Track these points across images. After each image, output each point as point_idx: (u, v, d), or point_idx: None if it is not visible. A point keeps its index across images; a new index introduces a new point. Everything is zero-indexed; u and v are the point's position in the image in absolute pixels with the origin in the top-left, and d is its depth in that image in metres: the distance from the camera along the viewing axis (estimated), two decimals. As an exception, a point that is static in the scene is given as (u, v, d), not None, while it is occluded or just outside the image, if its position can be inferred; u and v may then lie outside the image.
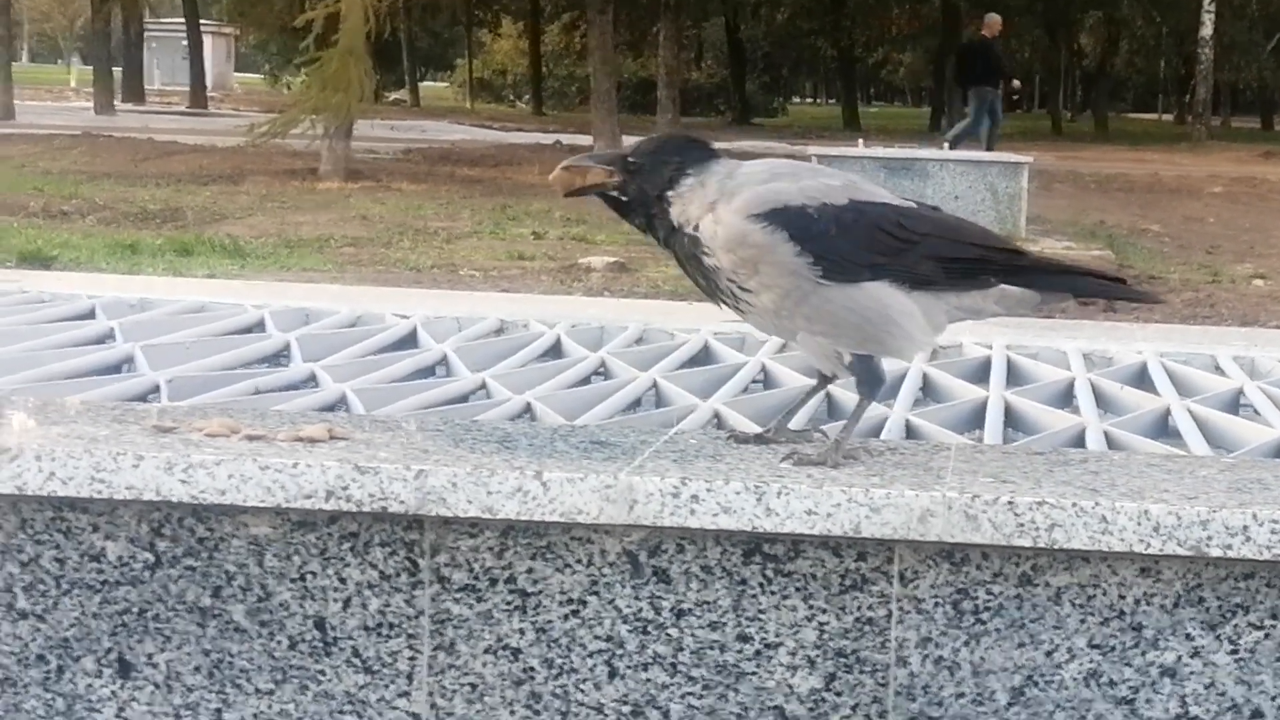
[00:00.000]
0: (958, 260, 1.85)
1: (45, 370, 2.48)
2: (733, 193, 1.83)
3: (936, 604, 1.74)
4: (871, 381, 1.88)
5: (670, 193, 1.86)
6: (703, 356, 2.96)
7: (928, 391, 2.75)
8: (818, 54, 47.64)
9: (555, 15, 42.08)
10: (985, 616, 1.74)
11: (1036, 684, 1.74)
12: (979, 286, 1.86)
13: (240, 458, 1.76)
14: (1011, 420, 2.56)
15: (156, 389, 2.40)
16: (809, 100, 62.89)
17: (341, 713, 1.79)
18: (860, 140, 16.75)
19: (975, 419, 2.55)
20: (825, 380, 1.96)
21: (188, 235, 11.38)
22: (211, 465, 1.75)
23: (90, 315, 3.03)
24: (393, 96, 42.54)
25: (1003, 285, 1.87)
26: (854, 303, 1.81)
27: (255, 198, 14.75)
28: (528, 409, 2.49)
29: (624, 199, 1.89)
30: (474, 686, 1.78)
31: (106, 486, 1.76)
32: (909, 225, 1.84)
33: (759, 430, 2.00)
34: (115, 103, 31.71)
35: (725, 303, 1.87)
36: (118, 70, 35.05)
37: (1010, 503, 1.69)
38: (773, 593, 1.76)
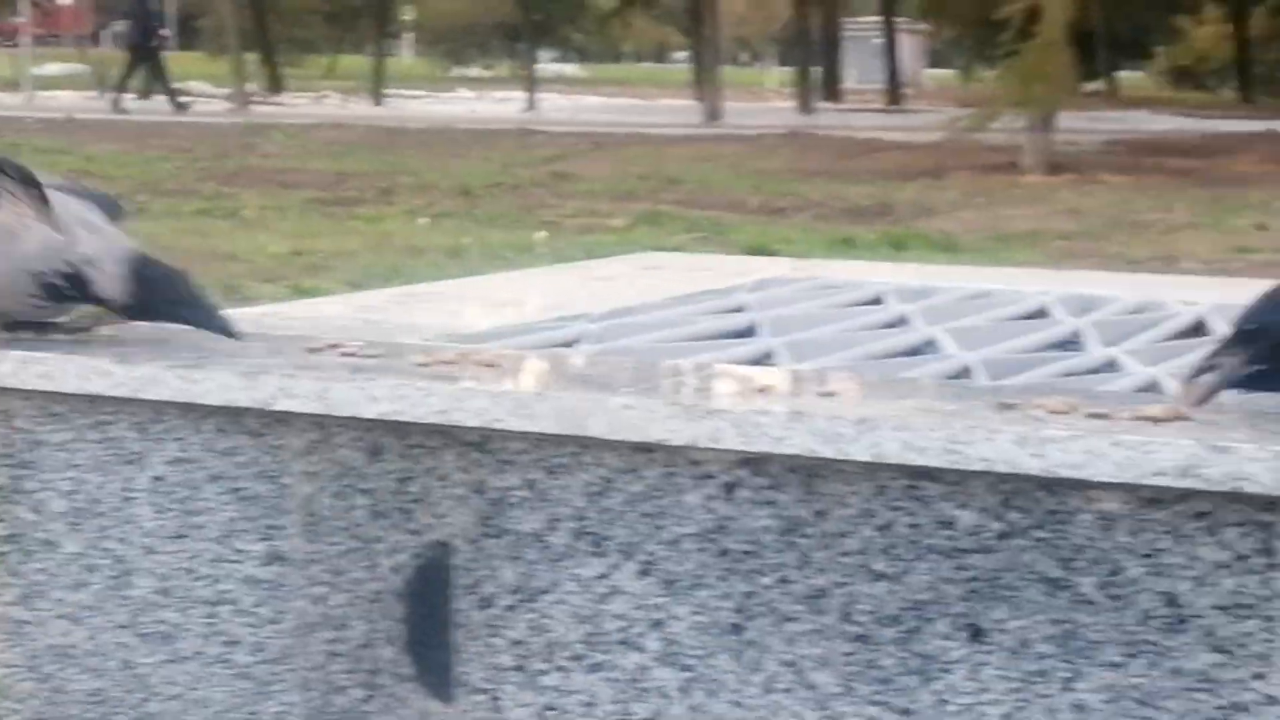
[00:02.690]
0: None
1: (862, 351, 2.59)
2: None
3: None
4: None
5: None
6: None
7: None
8: None
9: (1261, -2, 40.13)
10: None
11: None
12: None
13: (1092, 434, 1.78)
14: None
15: (967, 370, 2.47)
16: None
17: (1194, 690, 1.78)
18: None
19: None
20: None
21: (899, 230, 11.61)
22: (1064, 441, 1.78)
23: (877, 301, 3.15)
24: (1089, 87, 41.81)
25: None
26: None
27: (959, 192, 14.87)
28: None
29: (1265, 368, 1.79)
30: (1335, 674, 1.73)
31: (959, 458, 1.82)
32: None
33: None
34: (815, 102, 32.71)
35: None
36: (815, 71, 36.10)
37: None
38: None
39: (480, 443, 2.10)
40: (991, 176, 16.17)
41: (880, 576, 1.91)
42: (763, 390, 2.06)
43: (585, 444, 2.04)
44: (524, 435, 2.06)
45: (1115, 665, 1.81)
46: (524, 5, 38.12)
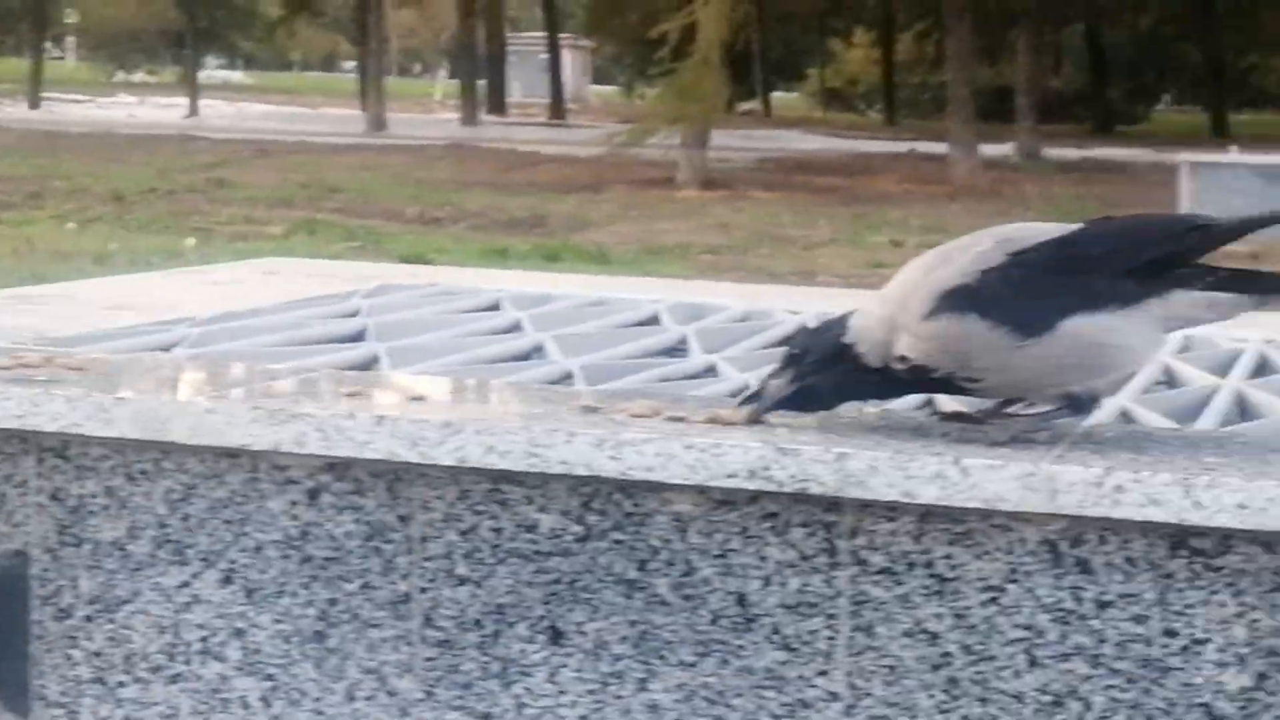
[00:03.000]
0: (1145, 265, 1.79)
1: (467, 356, 2.59)
2: (904, 305, 1.80)
3: (1377, 604, 1.68)
4: (1085, 404, 1.84)
5: (846, 339, 1.83)
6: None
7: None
8: (1184, 59, 46.16)
9: (909, 23, 41.78)
10: None
11: None
12: (1182, 286, 1.79)
13: (666, 437, 1.81)
14: None
15: (569, 375, 2.48)
16: (1173, 107, 60.87)
17: (762, 688, 1.82)
18: (1233, 147, 16.18)
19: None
20: None
21: (554, 242, 11.70)
22: (640, 443, 1.81)
23: (496, 308, 3.15)
24: (744, 107, 42.85)
25: (1212, 293, 1.80)
26: (1059, 348, 1.78)
27: (616, 205, 15.07)
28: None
29: (808, 386, 1.85)
30: (892, 669, 1.79)
31: (541, 461, 1.83)
32: (1079, 253, 1.79)
33: (968, 410, 1.95)
34: (479, 115, 32.78)
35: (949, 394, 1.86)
36: (480, 84, 36.17)
37: None
38: (1200, 587, 1.72)
39: (60, 448, 2.03)
40: (648, 191, 16.43)
41: (463, 581, 1.90)
42: (351, 395, 2.04)
43: (167, 449, 1.98)
44: (104, 441, 2.00)
45: (688, 665, 1.84)
46: (189, 12, 37.32)
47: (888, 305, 1.83)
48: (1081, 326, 1.78)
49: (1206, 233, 1.82)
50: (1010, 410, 1.91)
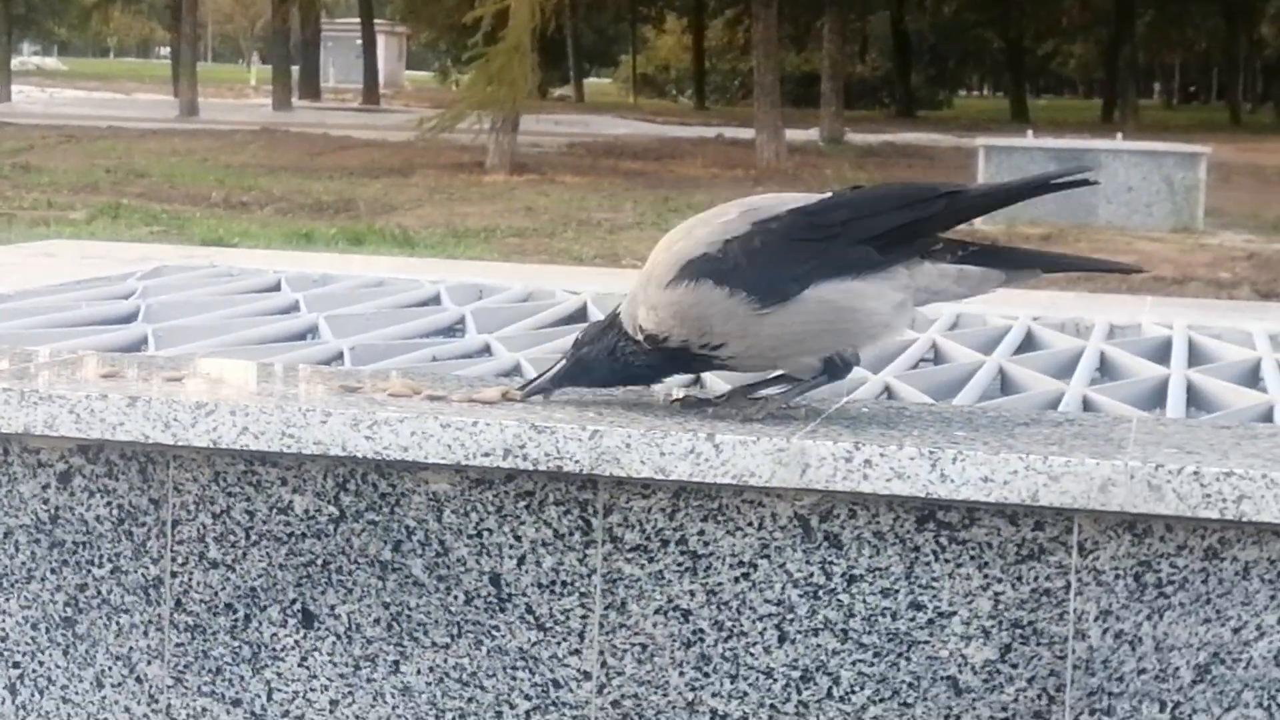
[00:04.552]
0: (889, 231, 1.81)
1: (237, 336, 2.55)
2: (648, 278, 1.82)
3: (1117, 576, 1.72)
4: (841, 368, 1.86)
5: (615, 316, 1.85)
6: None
7: (1106, 369, 2.72)
8: (985, 46, 47.13)
9: (719, 10, 42.06)
10: (1169, 590, 1.71)
11: (1223, 661, 1.71)
12: (930, 258, 1.82)
13: (422, 416, 1.79)
14: (1194, 399, 2.52)
15: (340, 355, 2.46)
16: (975, 93, 62.14)
17: (514, 668, 1.81)
18: (1029, 132, 16.55)
19: (1156, 397, 2.51)
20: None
21: (360, 225, 11.58)
22: (395, 423, 1.79)
23: (276, 288, 3.11)
24: (557, 92, 42.84)
25: (963, 265, 1.83)
26: (804, 314, 1.79)
27: (424, 190, 14.95)
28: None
29: (591, 371, 1.86)
30: (644, 646, 1.79)
31: (295, 441, 1.81)
32: (822, 220, 1.81)
33: (709, 396, 1.96)
34: (293, 100, 32.34)
35: (708, 370, 1.87)
36: (295, 69, 35.69)
37: (1196, 473, 1.67)
38: (946, 560, 1.75)
39: None
40: (456, 175, 16.34)
41: (215, 564, 1.87)
42: (107, 376, 1.99)
43: (-92, 433, 1.92)
44: None
45: (441, 646, 1.83)
46: (3, -2, 36.41)
47: (640, 281, 1.84)
48: (826, 292, 1.79)
49: (954, 199, 1.83)
50: (757, 395, 1.92)
